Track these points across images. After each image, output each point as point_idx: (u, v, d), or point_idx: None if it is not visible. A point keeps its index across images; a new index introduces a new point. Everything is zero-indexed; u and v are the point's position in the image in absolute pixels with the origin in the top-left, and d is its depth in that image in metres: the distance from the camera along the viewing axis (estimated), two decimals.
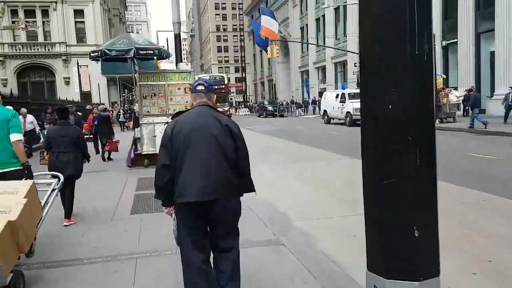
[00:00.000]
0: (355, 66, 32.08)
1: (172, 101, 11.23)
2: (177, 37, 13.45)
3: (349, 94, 25.26)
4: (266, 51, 44.10)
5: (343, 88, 39.68)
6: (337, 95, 26.28)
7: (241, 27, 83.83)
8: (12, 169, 4.63)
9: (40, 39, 42.93)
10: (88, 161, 6.68)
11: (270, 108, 45.01)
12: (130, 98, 48.06)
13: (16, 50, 42.05)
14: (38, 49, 42.66)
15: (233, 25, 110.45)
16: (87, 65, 40.23)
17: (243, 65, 77.28)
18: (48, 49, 42.81)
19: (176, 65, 12.40)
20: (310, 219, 6.28)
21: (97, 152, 14.00)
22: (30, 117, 15.42)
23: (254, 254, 4.64)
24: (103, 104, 26.78)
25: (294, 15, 57.35)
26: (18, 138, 4.69)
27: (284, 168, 10.72)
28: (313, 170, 10.44)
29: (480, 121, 17.02)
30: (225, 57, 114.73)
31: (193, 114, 3.19)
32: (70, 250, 5.17)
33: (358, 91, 26.96)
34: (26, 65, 42.42)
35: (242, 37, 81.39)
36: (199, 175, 2.99)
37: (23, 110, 14.63)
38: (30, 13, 42.24)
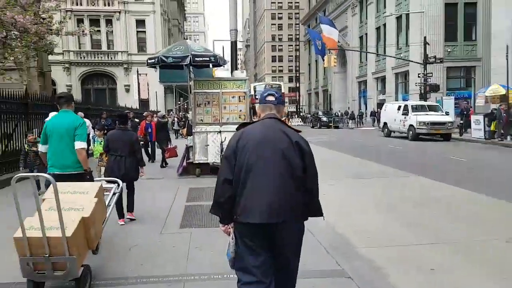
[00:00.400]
0: (418, 77, 30.47)
1: (226, 110, 10.82)
2: (233, 45, 13.11)
3: (412, 106, 23.91)
4: (323, 59, 43.37)
5: (404, 99, 38.01)
6: (399, 106, 24.95)
7: (297, 36, 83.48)
8: (76, 172, 4.93)
9: (104, 47, 44.52)
10: (141, 166, 6.71)
11: (324, 119, 44.05)
12: (185, 106, 48.95)
13: (81, 57, 43.92)
14: (101, 57, 44.27)
15: (289, 35, 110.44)
16: (146, 74, 41.35)
17: (297, 75, 76.68)
18: (111, 58, 44.32)
19: (231, 73, 12.00)
20: (377, 246, 5.52)
21: (149, 159, 13.90)
22: (86, 122, 14.95)
23: (316, 285, 4.03)
24: (160, 111, 27.05)
25: (353, 24, 56.09)
26: (82, 147, 4.98)
27: (344, 185, 9.92)
28: (377, 188, 9.57)
29: None
30: (279, 66, 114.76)
31: (260, 126, 2.95)
32: (116, 265, 4.79)
33: (422, 103, 25.84)
34: (90, 72, 44.13)
35: (298, 47, 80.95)
36: (265, 193, 2.77)
37: (80, 114, 14.25)
38: (94, 22, 43.93)
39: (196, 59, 10.19)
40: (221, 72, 11.47)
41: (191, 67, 11.07)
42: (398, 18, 43.03)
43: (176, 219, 6.67)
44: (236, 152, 2.85)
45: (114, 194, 5.20)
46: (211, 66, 11.45)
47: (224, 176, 2.86)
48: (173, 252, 5.16)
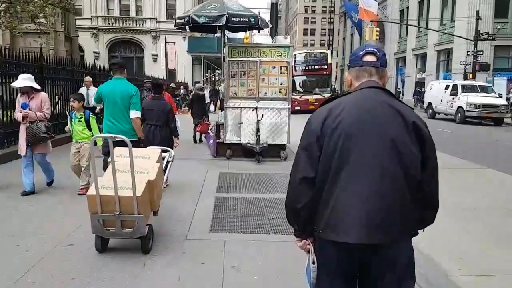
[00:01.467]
0: (467, 54, 27.97)
1: (264, 82, 9.28)
2: (274, 7, 11.43)
3: (462, 86, 21.73)
4: (360, 34, 40.69)
5: (445, 79, 35.47)
6: (447, 86, 22.79)
7: (331, 9, 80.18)
8: (130, 140, 4.57)
9: (132, 13, 43.25)
10: (175, 136, 6.71)
11: None
12: (213, 78, 47.46)
13: (109, 23, 42.77)
14: (129, 24, 43.05)
15: (323, 7, 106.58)
16: (174, 42, 39.93)
17: (331, 49, 73.79)
18: (139, 25, 43.05)
19: (272, 39, 10.28)
20: (479, 275, 4.00)
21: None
22: (94, 90, 11.19)
23: None
24: (199, 82, 25.61)
25: None
26: (137, 116, 5.23)
27: None
28: (450, 183, 7.91)
29: None
30: (311, 40, 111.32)
31: (358, 100, 2.03)
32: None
33: (473, 83, 23.57)
34: (117, 40, 43.07)
35: (332, 20, 77.70)
36: (365, 200, 1.90)
37: (87, 78, 11.39)
38: None
39: (233, 19, 8.65)
40: (259, 38, 9.79)
41: (225, 30, 9.45)
42: None
43: (205, 217, 5.27)
44: (321, 139, 1.98)
45: (167, 162, 5.10)
46: (247, 29, 9.79)
47: (302, 173, 2.01)
48: (202, 273, 3.77)
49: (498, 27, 33.62)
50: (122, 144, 4.14)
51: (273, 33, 10.83)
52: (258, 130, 8.93)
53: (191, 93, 28.38)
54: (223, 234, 4.72)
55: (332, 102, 2.08)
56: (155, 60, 41.73)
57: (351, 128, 1.94)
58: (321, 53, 29.98)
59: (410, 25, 42.44)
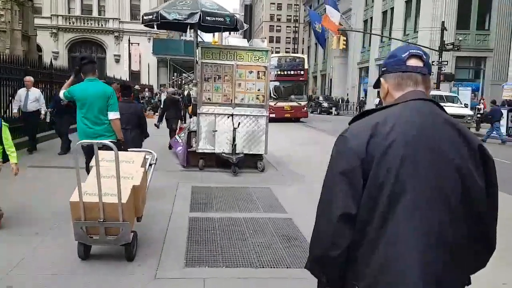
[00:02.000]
0: (433, 64, 28.37)
1: (240, 88, 8.64)
2: (248, 9, 10.80)
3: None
4: (322, 45, 40.79)
5: None
6: None
7: (296, 18, 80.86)
8: (106, 140, 4.53)
9: (95, 13, 41.67)
10: (146, 137, 6.75)
11: (325, 104, 42.02)
12: (179, 82, 46.33)
13: (69, 23, 40.98)
14: (91, 24, 41.44)
15: (288, 15, 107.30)
16: (138, 43, 38.75)
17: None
18: (101, 25, 41.52)
19: (248, 41, 9.70)
20: None
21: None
22: (35, 92, 9.91)
23: None
24: (174, 88, 24.56)
25: (358, 7, 53.58)
26: (116, 117, 5.09)
27: None
28: None
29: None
30: (276, 47, 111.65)
31: (410, 116, 1.51)
32: None
33: (438, 93, 23.73)
34: (78, 39, 41.35)
35: (296, 29, 78.26)
36: (428, 250, 1.39)
37: (28, 78, 9.81)
38: None
39: (207, 18, 7.97)
40: (233, 40, 9.16)
41: (197, 28, 8.76)
42: (408, 2, 40.88)
43: (178, 246, 4.50)
44: (367, 163, 1.46)
45: (150, 165, 4.96)
46: (222, 30, 9.12)
47: (341, 208, 1.47)
48: None
49: (460, 38, 34.56)
50: (105, 147, 4.00)
51: (247, 36, 10.44)
52: (234, 139, 8.28)
53: (156, 96, 27.36)
54: (202, 270, 3.96)
55: (373, 116, 1.59)
56: (117, 61, 40.25)
57: (407, 151, 1.45)
58: (297, 57, 28.01)
59: (376, 34, 43.03)
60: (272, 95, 23.95)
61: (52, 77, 13.29)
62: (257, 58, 8.56)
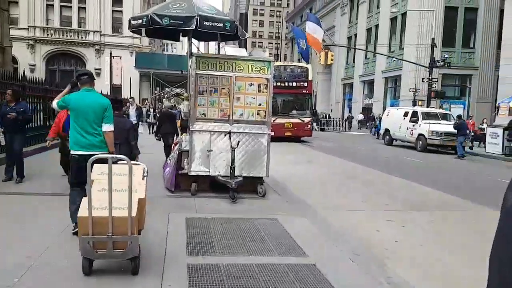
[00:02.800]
0: (422, 81, 28.00)
1: (239, 102, 7.64)
2: (244, 17, 9.87)
3: (422, 113, 21.27)
4: (306, 61, 40.35)
5: (393, 105, 35.75)
6: (406, 113, 22.29)
7: (278, 35, 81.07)
8: (99, 152, 4.59)
9: (74, 25, 40.37)
10: (137, 154, 6.48)
11: None
12: (162, 96, 45.09)
13: (47, 35, 39.54)
14: (70, 36, 40.08)
15: (269, 32, 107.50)
16: (120, 57, 37.55)
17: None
18: (81, 37, 40.21)
19: (247, 51, 8.65)
20: None
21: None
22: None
23: None
24: (171, 102, 23.67)
25: (342, 24, 53.61)
26: (110, 130, 5.03)
27: (410, 223, 6.76)
28: (460, 234, 6.54)
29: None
30: None
31: None
32: None
33: (434, 110, 23.24)
34: (56, 52, 39.91)
35: (278, 45, 78.19)
36: None
37: None
38: None
39: (205, 23, 6.99)
40: (230, 50, 8.13)
41: (192, 37, 7.76)
42: (393, 20, 40.90)
43: None
44: None
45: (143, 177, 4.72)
46: (219, 39, 8.10)
47: None
48: None
49: (446, 56, 34.48)
50: (101, 160, 4.05)
51: (242, 46, 9.75)
52: (233, 161, 7.22)
53: (145, 108, 26.06)
54: None
55: None
56: (98, 74, 38.83)
57: None
58: (299, 67, 23.99)
59: (362, 49, 42.81)
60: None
61: (25, 88, 12.08)
62: (258, 69, 7.59)
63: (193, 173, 7.52)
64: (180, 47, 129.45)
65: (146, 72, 35.73)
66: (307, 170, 12.11)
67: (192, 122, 7.53)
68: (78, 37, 40.14)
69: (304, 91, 22.73)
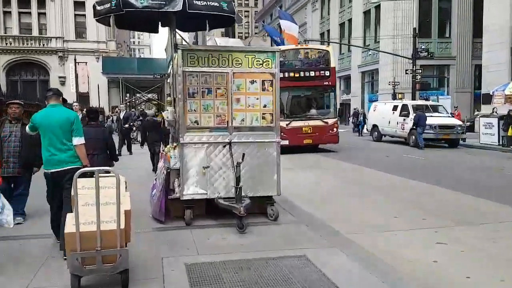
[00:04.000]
0: (406, 73, 27.10)
1: (239, 105, 6.13)
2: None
3: (413, 106, 20.23)
4: None
5: (371, 100, 34.90)
6: (395, 106, 21.20)
7: (246, 35, 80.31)
8: (73, 167, 4.66)
9: (35, 32, 37.86)
10: (116, 161, 6.40)
11: None
12: (133, 103, 42.90)
13: (6, 43, 36.92)
14: (32, 44, 37.59)
15: (239, 32, 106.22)
16: (86, 62, 35.39)
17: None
18: (43, 44, 37.77)
19: (246, 41, 7.08)
20: None
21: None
22: None
23: None
24: (151, 110, 22.06)
25: (313, 20, 52.70)
26: (81, 142, 4.91)
27: (469, 246, 5.29)
28: None
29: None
30: None
31: None
32: None
33: (423, 102, 22.13)
34: (17, 61, 37.32)
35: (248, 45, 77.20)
36: None
37: None
38: (24, 2, 37.25)
39: (195, 3, 5.40)
40: (221, 41, 6.57)
41: (174, 21, 6.18)
42: (366, 13, 40.17)
43: None
44: None
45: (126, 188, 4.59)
46: (209, 26, 6.52)
47: None
48: None
49: (423, 47, 33.82)
50: (63, 175, 4.56)
51: (230, 34, 8.69)
52: (239, 179, 5.69)
53: (108, 119, 24.13)
54: None
55: None
56: (63, 83, 36.49)
57: None
58: (317, 50, 18.11)
59: (338, 43, 41.86)
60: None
61: None
62: (261, 63, 6.09)
63: (186, 197, 5.95)
64: (148, 51, 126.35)
65: (115, 78, 33.65)
66: (311, 177, 10.68)
67: (182, 133, 5.96)
68: (39, 44, 37.76)
69: (326, 83, 16.99)
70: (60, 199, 4.77)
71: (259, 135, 6.15)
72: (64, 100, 5.80)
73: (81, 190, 3.89)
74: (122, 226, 3.77)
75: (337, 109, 17.85)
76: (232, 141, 5.98)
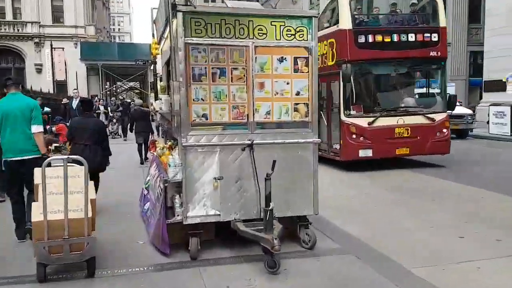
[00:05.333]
0: None
1: (263, 91, 4.44)
2: None
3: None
4: None
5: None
6: None
7: None
8: (33, 157, 4.76)
9: (9, 17, 35.35)
10: (109, 155, 6.33)
11: None
12: (114, 91, 40.72)
13: None
14: (5, 29, 35.12)
15: None
16: (63, 48, 33.12)
17: None
18: (18, 30, 35.32)
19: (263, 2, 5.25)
20: None
21: None
22: None
23: None
24: (140, 98, 20.44)
25: None
26: (39, 130, 4.92)
27: None
28: None
29: None
30: None
31: None
32: None
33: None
34: None
35: None
36: None
37: None
38: None
39: None
40: (233, 3, 4.84)
41: None
42: None
43: None
44: None
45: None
46: None
47: None
48: None
49: None
50: (22, 164, 4.65)
51: None
52: (268, 199, 4.01)
53: (119, 107, 21.99)
54: None
55: None
56: (39, 71, 34.17)
57: None
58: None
59: None
60: (357, 101, 9.79)
61: None
62: (293, 33, 4.41)
63: (192, 221, 4.27)
64: (129, 38, 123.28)
65: (94, 64, 31.56)
66: (341, 187, 8.23)
67: (185, 132, 4.25)
68: (13, 30, 35.39)
69: (433, 53, 10.15)
70: (19, 187, 4.94)
71: (290, 133, 4.48)
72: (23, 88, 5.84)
73: (48, 179, 3.81)
74: (90, 214, 3.84)
75: (448, 97, 10.75)
76: (254, 142, 4.30)
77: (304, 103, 4.53)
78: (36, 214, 3.76)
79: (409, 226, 5.50)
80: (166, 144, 5.93)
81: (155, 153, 6.06)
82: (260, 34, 4.35)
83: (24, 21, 35.43)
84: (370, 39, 9.53)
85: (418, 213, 6.09)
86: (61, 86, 31.51)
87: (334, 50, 9.72)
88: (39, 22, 35.25)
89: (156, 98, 8.89)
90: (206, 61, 4.29)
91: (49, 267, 3.87)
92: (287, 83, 4.48)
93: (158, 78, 12.91)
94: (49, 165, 3.93)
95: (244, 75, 4.37)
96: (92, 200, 3.99)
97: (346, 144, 9.42)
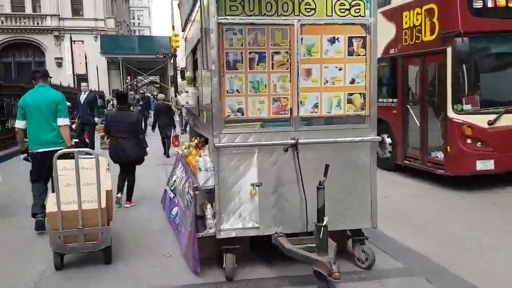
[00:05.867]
0: None
1: (309, 79, 3.70)
2: None
3: None
4: None
5: None
6: None
7: None
8: (59, 148, 4.63)
9: (28, 10, 35.23)
10: (145, 147, 6.21)
11: None
12: (136, 86, 40.40)
13: None
14: (25, 22, 35.00)
15: None
16: (82, 41, 32.79)
17: None
18: (38, 23, 35.17)
19: None
20: None
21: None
22: None
23: None
24: (160, 93, 20.27)
25: None
26: (65, 123, 5.04)
27: None
28: None
29: None
30: None
31: None
32: None
33: None
34: (10, 42, 34.77)
35: None
36: None
37: None
38: None
39: None
40: None
41: None
42: None
43: None
44: None
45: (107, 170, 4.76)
46: None
47: None
48: None
49: None
50: (49, 156, 4.39)
51: None
52: (322, 211, 3.28)
53: (109, 104, 21.59)
54: None
55: None
56: (59, 65, 34.01)
57: None
58: None
59: None
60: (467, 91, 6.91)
61: None
62: (347, 7, 3.65)
63: (227, 235, 3.58)
64: (148, 32, 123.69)
65: (114, 58, 31.16)
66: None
67: (217, 130, 3.55)
68: (33, 23, 35.21)
69: None
70: (46, 179, 4.97)
71: (343, 130, 3.73)
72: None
73: (63, 171, 3.92)
74: (103, 205, 3.91)
75: None
76: (298, 141, 3.56)
77: (360, 93, 3.76)
78: (51, 204, 3.89)
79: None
80: (192, 142, 5.25)
81: (180, 152, 5.40)
82: (307, 10, 3.59)
83: (43, 14, 35.28)
84: (491, 2, 6.75)
85: None
86: (81, 80, 31.25)
87: (435, 19, 6.99)
88: (59, 15, 35.05)
89: (176, 92, 8.68)
90: (242, 45, 3.56)
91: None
92: (340, 69, 3.72)
93: (178, 72, 13.70)
94: (71, 157, 3.96)
95: (288, 61, 3.63)
96: (108, 191, 4.07)
97: (456, 153, 6.67)
